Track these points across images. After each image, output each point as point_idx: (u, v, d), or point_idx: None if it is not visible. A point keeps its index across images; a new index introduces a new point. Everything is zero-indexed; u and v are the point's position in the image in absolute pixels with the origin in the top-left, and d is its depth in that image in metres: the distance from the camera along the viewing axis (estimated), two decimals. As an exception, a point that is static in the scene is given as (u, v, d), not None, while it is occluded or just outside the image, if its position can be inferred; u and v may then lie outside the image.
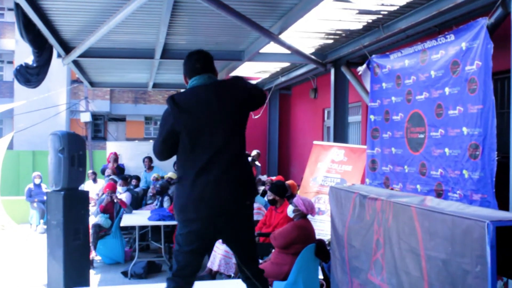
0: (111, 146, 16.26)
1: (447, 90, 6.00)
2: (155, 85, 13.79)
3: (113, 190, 10.91)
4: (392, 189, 6.96)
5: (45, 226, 13.88)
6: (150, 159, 14.23)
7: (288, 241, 6.47)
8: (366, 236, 4.59)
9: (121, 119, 34.34)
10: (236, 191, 4.06)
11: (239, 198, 4.09)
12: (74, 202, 7.41)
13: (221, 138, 4.00)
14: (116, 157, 14.76)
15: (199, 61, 4.17)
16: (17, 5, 7.52)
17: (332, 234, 5.64)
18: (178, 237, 4.09)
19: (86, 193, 7.79)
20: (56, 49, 9.08)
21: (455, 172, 5.83)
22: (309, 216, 6.83)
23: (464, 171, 5.67)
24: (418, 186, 6.55)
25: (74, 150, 7.40)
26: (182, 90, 4.44)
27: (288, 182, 9.85)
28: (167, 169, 14.01)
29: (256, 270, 4.33)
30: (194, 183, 3.97)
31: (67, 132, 7.54)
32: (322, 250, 6.44)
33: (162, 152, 4.15)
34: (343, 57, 9.56)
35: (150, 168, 14.20)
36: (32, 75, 9.39)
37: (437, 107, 6.19)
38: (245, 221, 4.21)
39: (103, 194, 11.65)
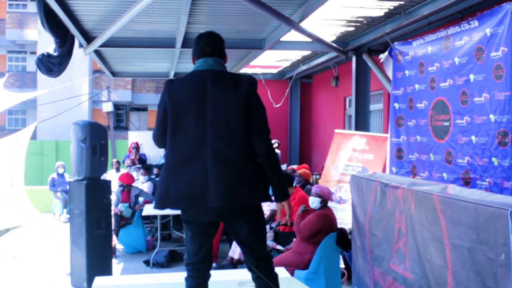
0: (133, 136, 16.36)
1: (471, 77, 5.90)
2: (176, 75, 13.78)
3: (127, 183, 10.91)
4: (413, 177, 6.90)
5: (68, 216, 14.05)
6: None
7: (313, 232, 6.46)
8: (388, 224, 4.55)
9: (143, 108, 34.48)
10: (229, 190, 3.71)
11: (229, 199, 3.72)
12: (96, 192, 7.45)
13: (205, 127, 3.74)
14: (137, 147, 14.84)
15: (208, 45, 3.96)
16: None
17: (353, 222, 5.61)
18: (184, 223, 3.98)
19: (108, 183, 7.82)
20: (78, 38, 9.12)
21: (483, 160, 5.74)
22: (331, 205, 6.82)
23: (493, 159, 5.57)
24: (444, 174, 6.46)
25: (96, 140, 7.43)
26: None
27: (300, 170, 9.82)
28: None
29: (267, 270, 3.93)
30: (176, 173, 3.80)
31: (89, 122, 7.58)
32: (343, 239, 6.42)
33: (155, 137, 4.04)
34: (365, 45, 9.48)
35: None
36: (54, 65, 9.45)
37: (462, 94, 6.10)
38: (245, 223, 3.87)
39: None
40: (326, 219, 6.56)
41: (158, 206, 3.83)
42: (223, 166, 3.69)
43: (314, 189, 6.86)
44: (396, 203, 4.37)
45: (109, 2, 7.44)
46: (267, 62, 13.04)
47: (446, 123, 6.43)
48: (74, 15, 7.99)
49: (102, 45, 9.23)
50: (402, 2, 7.34)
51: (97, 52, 10.53)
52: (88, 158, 7.35)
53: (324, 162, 10.07)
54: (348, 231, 6.68)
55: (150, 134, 18.01)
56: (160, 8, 7.58)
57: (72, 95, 24.21)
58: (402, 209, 4.25)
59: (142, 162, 14.10)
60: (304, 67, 12.97)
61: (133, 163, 13.56)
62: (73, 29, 8.42)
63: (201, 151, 3.71)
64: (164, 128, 3.84)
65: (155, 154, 15.36)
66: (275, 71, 14.64)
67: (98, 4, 7.53)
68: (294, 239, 6.86)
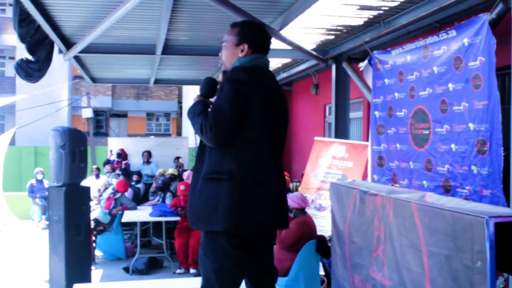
0: (113, 142, 16.31)
1: (450, 86, 5.98)
2: (156, 81, 13.75)
3: (121, 191, 10.87)
4: (392, 185, 6.95)
5: (47, 222, 13.94)
6: (149, 153, 14.31)
7: (294, 240, 6.47)
8: (367, 232, 4.59)
9: (123, 115, 34.38)
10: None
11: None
12: (75, 198, 7.40)
13: (274, 143, 3.56)
14: (122, 154, 14.85)
15: (270, 42, 3.71)
16: (16, 0, 7.54)
17: (332, 230, 5.64)
18: (222, 251, 3.43)
19: (87, 189, 7.78)
20: (57, 44, 9.07)
21: (463, 167, 5.80)
22: (310, 213, 6.85)
23: (473, 167, 5.64)
24: (424, 182, 6.52)
25: (75, 146, 7.39)
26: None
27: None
28: (164, 165, 14.13)
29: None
30: (262, 183, 3.43)
31: (68, 128, 7.54)
32: (323, 246, 6.45)
33: (229, 129, 3.34)
34: (344, 53, 9.53)
35: (148, 162, 14.32)
36: (33, 70, 9.41)
37: (441, 103, 6.17)
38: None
39: (105, 189, 11.66)
40: (306, 227, 6.59)
41: (230, 229, 3.36)
42: (284, 189, 3.63)
43: None
44: (375, 211, 4.40)
45: (89, 8, 7.41)
46: (247, 69, 13.03)
47: (426, 131, 6.50)
48: (54, 20, 7.95)
49: (82, 51, 9.19)
50: (381, 12, 7.40)
51: (76, 58, 10.48)
52: (67, 164, 7.31)
53: (304, 169, 10.10)
54: (328, 238, 6.71)
55: (129, 140, 18.05)
56: (141, 14, 7.58)
57: (52, 101, 24.09)
58: (381, 217, 4.28)
59: (125, 171, 13.99)
60: (284, 75, 13.01)
61: (113, 170, 13.51)
62: (52, 35, 8.38)
63: (274, 169, 3.54)
64: (237, 126, 3.35)
65: (135, 161, 15.33)
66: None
67: (78, 10, 7.49)
68: (274, 247, 6.86)
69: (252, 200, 3.38)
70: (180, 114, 34.87)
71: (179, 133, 34.08)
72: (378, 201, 4.35)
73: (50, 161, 7.58)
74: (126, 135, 32.02)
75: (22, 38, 8.78)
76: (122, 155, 15.21)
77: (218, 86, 3.65)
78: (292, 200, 6.70)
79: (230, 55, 3.63)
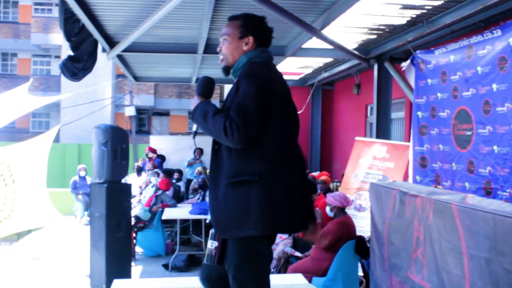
0: (154, 141, 16.49)
1: (494, 86, 5.86)
2: (198, 80, 13.81)
3: (163, 189, 10.97)
4: (435, 186, 6.86)
5: (89, 218, 14.14)
6: (201, 150, 14.37)
7: (333, 241, 6.44)
8: (406, 233, 4.53)
9: (165, 113, 34.69)
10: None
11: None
12: (116, 195, 7.53)
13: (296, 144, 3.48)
14: (153, 151, 14.98)
15: (272, 35, 3.58)
16: (62, 0, 7.67)
17: (372, 231, 5.59)
18: (259, 255, 3.35)
19: (128, 186, 7.90)
20: (101, 43, 9.20)
21: (505, 170, 5.68)
22: (350, 213, 6.81)
23: (515, 169, 5.53)
24: (466, 184, 6.42)
25: (117, 143, 7.51)
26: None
27: (322, 177, 9.81)
28: (206, 163, 14.14)
29: None
30: (290, 181, 3.31)
31: (111, 126, 7.66)
32: (362, 247, 6.41)
33: (258, 128, 3.17)
34: (386, 53, 9.45)
35: (199, 160, 14.40)
36: (78, 69, 9.56)
37: (485, 104, 6.05)
38: None
39: (146, 186, 11.78)
40: (345, 227, 6.55)
41: (265, 231, 3.25)
42: (306, 185, 3.55)
43: (326, 199, 6.89)
44: (415, 212, 4.35)
45: (132, 8, 7.49)
46: (288, 69, 13.04)
47: (469, 133, 6.38)
48: (97, 20, 8.06)
49: (125, 50, 9.30)
50: (424, 11, 7.31)
51: (119, 57, 10.61)
52: (109, 161, 7.44)
53: (344, 169, 10.05)
54: (367, 239, 6.66)
55: (170, 138, 18.23)
56: (183, 14, 7.63)
57: (95, 99, 24.44)
58: (421, 218, 4.23)
59: (166, 169, 14.17)
60: (325, 74, 12.96)
61: (154, 167, 13.64)
62: (96, 34, 8.50)
63: (299, 166, 3.42)
64: (264, 124, 3.21)
65: (177, 159, 15.45)
66: (296, 77, 14.62)
67: (121, 9, 7.58)
68: (313, 246, 6.85)
69: (283, 199, 3.26)
70: (221, 112, 34.95)
71: (220, 131, 34.12)
72: (418, 202, 4.30)
73: (92, 158, 7.71)
74: (168, 133, 32.29)
75: (68, 37, 8.94)
76: (153, 152, 15.34)
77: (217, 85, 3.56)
78: (334, 198, 6.67)
79: (233, 49, 3.46)
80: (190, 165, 14.64)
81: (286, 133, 3.35)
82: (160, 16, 7.11)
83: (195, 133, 3.58)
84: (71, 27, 8.77)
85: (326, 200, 6.81)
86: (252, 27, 3.47)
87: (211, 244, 3.43)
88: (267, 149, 3.23)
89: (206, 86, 3.50)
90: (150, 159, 15.00)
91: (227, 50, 3.49)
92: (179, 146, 15.83)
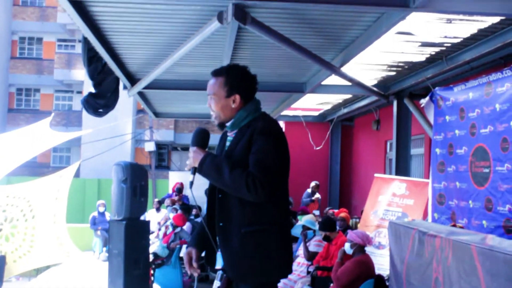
0: (174, 176, 16.50)
1: (512, 123, 5.84)
2: (218, 117, 13.86)
3: (178, 224, 10.96)
4: (454, 225, 6.79)
5: (108, 254, 14.15)
6: None
7: (351, 279, 6.36)
8: (425, 273, 4.49)
9: (184, 148, 34.81)
10: None
11: None
12: (135, 232, 7.54)
13: None
14: (181, 188, 14.94)
15: (257, 84, 3.61)
16: (85, 39, 7.79)
17: (390, 269, 5.54)
18: None
19: (147, 223, 7.91)
20: (122, 81, 9.33)
21: (525, 208, 5.64)
22: (369, 251, 6.75)
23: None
24: (484, 222, 6.34)
25: (136, 181, 7.55)
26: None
27: (342, 214, 9.75)
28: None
29: None
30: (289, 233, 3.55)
31: (130, 163, 7.71)
32: (381, 286, 6.32)
33: (277, 184, 3.34)
34: (406, 89, 9.47)
35: None
36: (100, 105, 9.67)
37: (503, 141, 6.01)
38: None
39: (165, 222, 11.77)
40: (364, 266, 6.47)
41: (285, 275, 3.48)
42: None
43: (348, 235, 6.83)
44: (434, 252, 4.31)
45: (154, 47, 7.61)
46: (308, 105, 13.07)
47: (486, 170, 6.34)
48: (120, 58, 8.20)
49: (146, 87, 9.39)
50: (443, 48, 7.34)
51: (140, 93, 10.72)
52: (128, 198, 7.46)
53: (363, 205, 9.99)
54: (386, 278, 6.58)
55: (187, 174, 18.33)
56: (203, 52, 7.71)
57: (116, 134, 24.61)
58: (439, 259, 4.18)
59: (184, 204, 14.14)
60: (345, 110, 12.98)
61: (173, 203, 13.64)
62: (118, 72, 8.63)
63: None
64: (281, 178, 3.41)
65: (196, 194, 15.41)
66: (316, 113, 14.64)
67: (143, 48, 7.72)
68: (332, 285, 6.78)
69: (290, 242, 3.55)
70: (241, 148, 34.99)
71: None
72: (437, 243, 4.26)
73: (112, 195, 7.73)
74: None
75: (91, 75, 9.07)
76: (181, 189, 15.35)
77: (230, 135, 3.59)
78: (356, 235, 6.63)
79: (222, 107, 3.49)
80: None
81: (287, 182, 3.51)
82: (181, 55, 7.17)
83: (192, 183, 3.56)
84: (95, 66, 8.91)
85: (348, 236, 6.75)
86: (236, 85, 3.48)
87: (215, 285, 3.49)
88: (278, 198, 3.39)
89: (203, 137, 3.53)
90: (179, 194, 14.98)
91: (216, 108, 3.51)
92: (199, 182, 15.78)
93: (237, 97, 3.47)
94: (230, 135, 3.56)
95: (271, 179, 3.23)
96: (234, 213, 3.38)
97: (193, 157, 3.42)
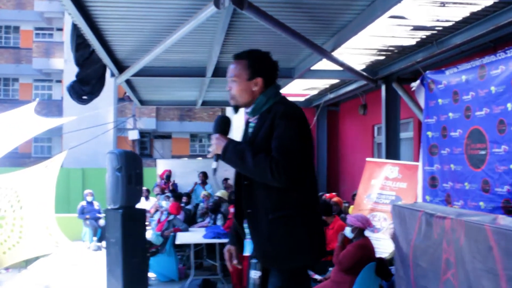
0: (162, 164, 16.47)
1: (509, 106, 5.89)
2: (203, 103, 13.85)
3: (174, 213, 10.98)
4: (451, 206, 6.87)
5: (98, 243, 14.12)
6: (205, 174, 14.38)
7: (353, 263, 6.43)
8: (434, 255, 4.53)
9: (166, 136, 34.71)
10: None
11: None
12: (132, 220, 7.53)
13: None
14: (169, 175, 14.96)
15: (278, 70, 3.66)
16: (74, 26, 7.72)
17: (396, 253, 5.59)
18: (304, 283, 3.54)
19: (143, 211, 7.90)
20: (110, 68, 9.24)
21: (525, 188, 5.70)
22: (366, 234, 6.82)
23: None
24: (481, 203, 6.40)
25: (131, 169, 7.53)
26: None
27: (334, 199, 9.81)
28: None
29: None
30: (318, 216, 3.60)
31: (125, 151, 7.69)
32: (382, 269, 6.39)
33: (301, 169, 3.33)
34: (395, 73, 9.51)
35: (204, 183, 14.42)
36: (86, 92, 9.60)
37: (499, 123, 6.07)
38: None
39: (155, 212, 11.76)
40: (365, 250, 6.55)
41: (317, 259, 3.49)
42: None
43: (347, 219, 6.89)
44: (443, 234, 4.36)
45: (144, 33, 7.54)
46: (295, 90, 13.07)
47: (483, 152, 6.39)
48: (109, 45, 8.11)
49: (134, 75, 9.31)
50: (434, 32, 7.37)
51: (127, 81, 10.64)
52: (124, 187, 7.44)
53: (352, 190, 10.06)
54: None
55: (177, 162, 18.21)
56: (194, 38, 7.66)
57: (97, 123, 24.45)
58: (451, 240, 4.23)
59: (174, 191, 14.19)
60: (331, 95, 13.00)
61: (162, 192, 13.63)
62: (106, 59, 8.55)
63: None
64: (304, 163, 3.39)
65: (184, 182, 15.44)
66: (302, 99, 14.64)
67: (133, 34, 7.63)
68: (331, 269, 6.84)
69: (321, 228, 3.58)
70: (223, 134, 34.87)
71: (222, 154, 34.07)
72: (447, 224, 4.30)
73: (106, 184, 7.71)
74: (170, 156, 32.28)
75: (78, 62, 8.99)
76: (169, 176, 15.36)
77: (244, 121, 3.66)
78: (356, 219, 6.69)
79: (242, 90, 3.52)
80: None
81: (313, 165, 3.54)
82: (173, 41, 7.13)
83: (215, 171, 3.58)
84: (82, 52, 8.84)
85: (347, 220, 6.81)
86: (259, 68, 3.53)
87: (254, 274, 3.52)
88: (304, 182, 3.41)
89: (224, 125, 3.57)
90: (168, 181, 14.99)
91: (237, 92, 3.55)
92: (186, 169, 15.82)
93: (260, 80, 3.51)
94: (252, 121, 3.58)
95: (294, 164, 3.25)
96: (260, 199, 3.40)
97: (216, 143, 3.44)
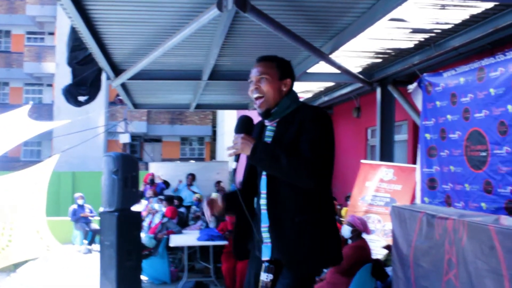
0: (154, 167, 16.46)
1: (510, 107, 5.89)
2: (198, 106, 13.79)
3: (171, 217, 10.96)
4: (449, 207, 6.86)
5: (89, 246, 14.05)
6: (193, 176, 14.38)
7: (350, 264, 6.43)
8: (436, 256, 4.52)
9: (157, 139, 34.65)
10: None
11: None
12: (127, 223, 7.49)
13: None
14: (153, 179, 14.98)
15: None
16: (72, 29, 7.67)
17: (394, 253, 5.57)
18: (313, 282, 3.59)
19: (138, 214, 7.86)
20: (106, 71, 9.17)
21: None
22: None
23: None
24: (483, 204, 6.38)
25: (127, 172, 7.51)
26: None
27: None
28: (205, 189, 14.20)
29: None
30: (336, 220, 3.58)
31: (121, 154, 7.66)
32: (378, 270, 6.39)
33: (328, 175, 3.41)
34: (390, 76, 9.49)
35: (190, 185, 14.48)
36: (82, 95, 9.56)
37: (500, 125, 6.06)
38: None
39: (148, 214, 11.72)
40: (361, 251, 6.55)
41: (338, 262, 3.51)
42: None
43: (348, 218, 6.89)
44: (445, 234, 4.35)
45: (142, 37, 7.47)
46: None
47: (483, 153, 6.37)
48: (106, 48, 8.05)
49: (130, 78, 9.25)
50: (433, 34, 7.37)
51: (122, 84, 10.58)
52: (120, 189, 7.40)
53: (345, 192, 10.04)
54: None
55: (168, 165, 18.19)
56: (193, 41, 7.59)
57: (88, 127, 24.37)
58: (453, 240, 4.22)
59: (162, 191, 14.24)
60: (325, 98, 12.98)
61: (155, 195, 13.59)
62: (103, 62, 8.49)
63: None
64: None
65: (175, 185, 15.47)
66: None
67: (131, 38, 7.57)
68: (328, 270, 6.82)
69: (338, 229, 3.58)
70: (213, 138, 34.98)
71: (212, 157, 34.18)
72: (449, 225, 4.29)
73: (102, 187, 7.66)
74: (160, 159, 32.24)
75: (69, 62, 8.95)
76: (153, 179, 15.33)
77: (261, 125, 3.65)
78: (359, 221, 6.72)
79: (274, 89, 3.50)
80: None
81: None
82: (173, 44, 7.07)
83: (235, 171, 3.54)
84: (76, 54, 8.80)
85: (349, 219, 6.82)
86: (288, 70, 3.60)
87: (266, 277, 3.49)
88: (327, 186, 3.45)
89: (248, 125, 3.53)
90: (152, 185, 14.95)
91: (269, 89, 3.50)
92: (177, 172, 15.82)
93: (289, 81, 3.56)
94: (270, 125, 3.55)
95: (326, 166, 3.32)
96: (287, 202, 3.37)
97: (242, 143, 3.35)
